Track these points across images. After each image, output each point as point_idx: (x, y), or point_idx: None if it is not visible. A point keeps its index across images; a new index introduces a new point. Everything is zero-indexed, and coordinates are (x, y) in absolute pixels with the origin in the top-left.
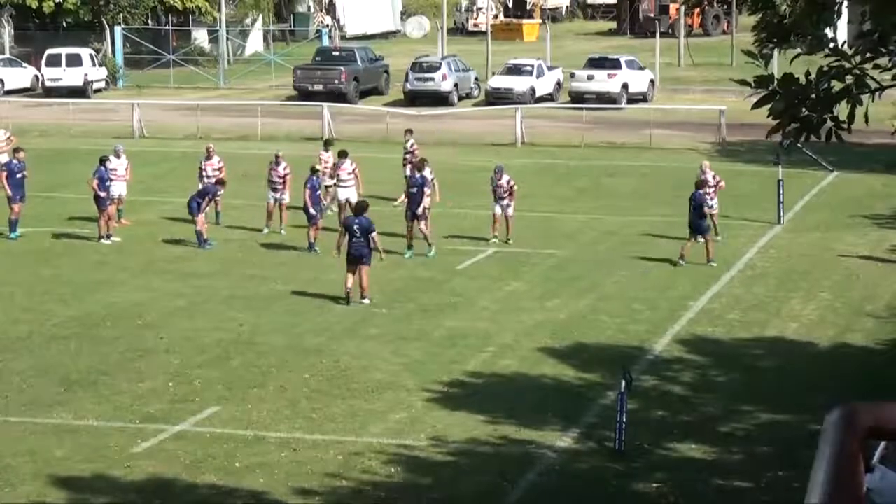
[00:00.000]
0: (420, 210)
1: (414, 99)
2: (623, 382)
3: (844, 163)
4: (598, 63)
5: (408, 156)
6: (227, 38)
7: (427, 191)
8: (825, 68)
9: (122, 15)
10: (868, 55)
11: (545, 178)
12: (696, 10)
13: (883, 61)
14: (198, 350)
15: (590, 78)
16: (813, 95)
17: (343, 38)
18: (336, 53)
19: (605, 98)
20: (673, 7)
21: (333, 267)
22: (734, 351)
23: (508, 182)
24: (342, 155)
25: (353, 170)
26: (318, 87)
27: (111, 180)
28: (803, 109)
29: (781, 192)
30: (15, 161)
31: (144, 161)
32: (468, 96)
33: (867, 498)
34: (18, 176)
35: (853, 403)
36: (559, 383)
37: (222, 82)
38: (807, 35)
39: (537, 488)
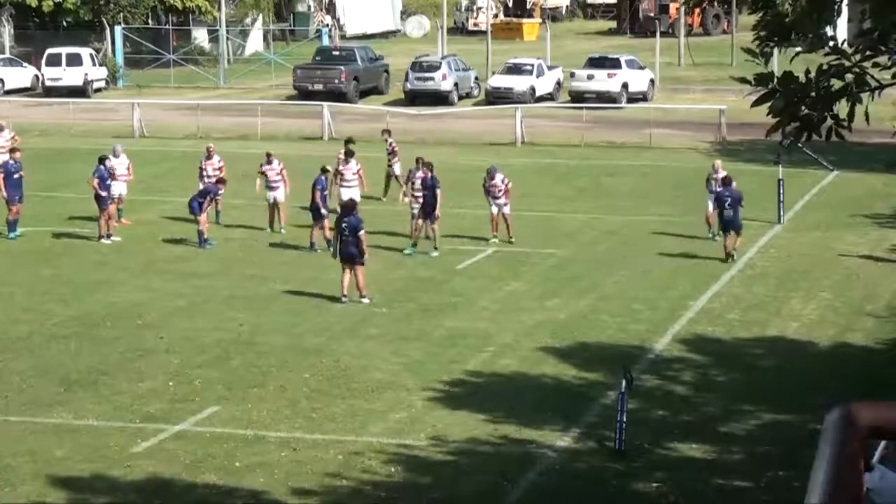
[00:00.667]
0: (434, 211)
1: (414, 98)
2: (623, 382)
3: (845, 162)
4: (598, 62)
5: (390, 156)
6: (227, 38)
7: (439, 192)
8: (825, 67)
9: (122, 14)
10: (868, 53)
11: (545, 178)
12: (696, 10)
13: (883, 60)
14: (198, 350)
15: (590, 77)
16: (813, 94)
17: (343, 37)
18: (336, 53)
19: (605, 97)
20: (673, 6)
21: (333, 267)
22: (734, 350)
23: (503, 181)
24: (349, 154)
25: (358, 170)
26: (318, 87)
27: (113, 179)
28: (803, 108)
29: (781, 191)
30: (11, 161)
31: (144, 161)
32: (468, 96)
33: (867, 498)
34: (16, 176)
35: (853, 403)
36: (559, 383)
37: (222, 82)
38: (807, 33)
39: (537, 488)
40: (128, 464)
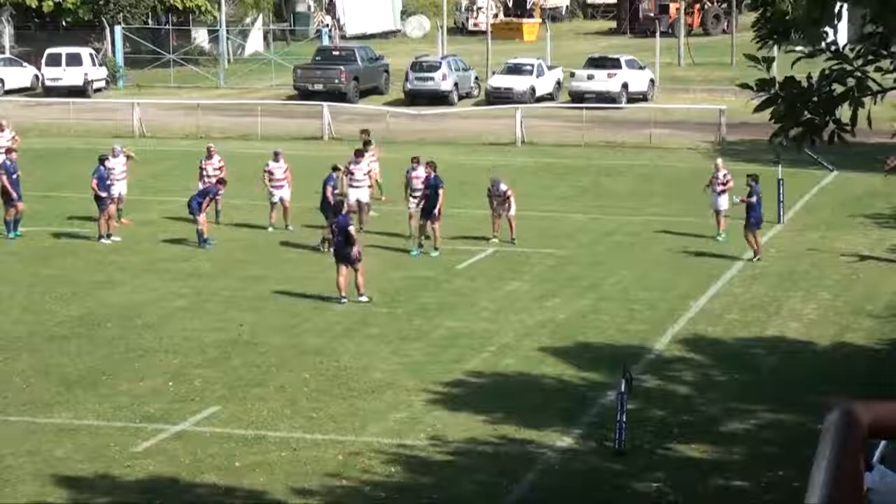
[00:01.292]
0: (435, 211)
1: (414, 98)
2: (623, 382)
3: (845, 162)
4: (598, 62)
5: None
6: (227, 38)
7: (441, 192)
8: (826, 71)
9: (122, 14)
10: (869, 58)
11: (545, 178)
12: (696, 9)
13: (885, 64)
14: (198, 350)
15: (590, 77)
16: (815, 98)
17: (343, 37)
18: (336, 53)
19: (605, 97)
20: (673, 6)
21: (333, 266)
22: (734, 350)
23: (505, 192)
24: (359, 154)
25: (369, 171)
26: (318, 87)
27: (116, 179)
28: (805, 112)
29: (782, 191)
30: (8, 161)
31: (144, 160)
32: (468, 96)
33: (867, 498)
34: (14, 176)
35: (853, 402)
36: (559, 383)
37: (222, 82)
38: (806, 30)
39: (537, 488)
40: (128, 464)
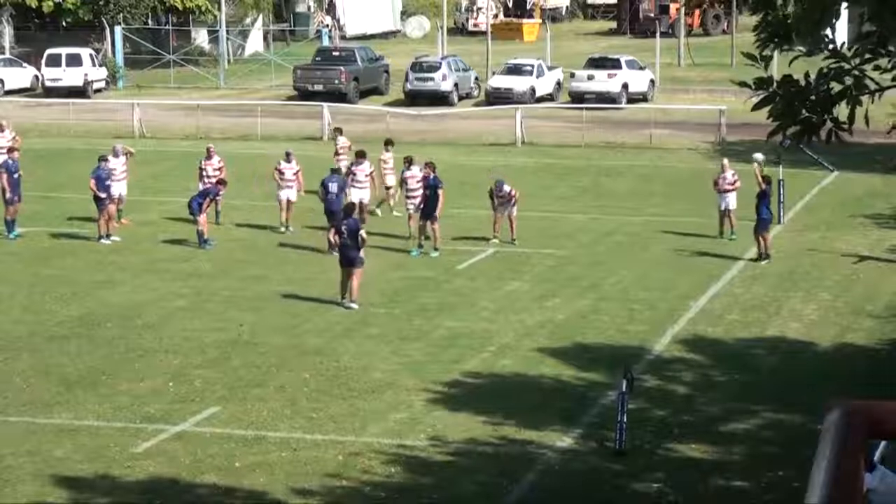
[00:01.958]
0: (435, 211)
1: (414, 99)
2: (624, 382)
3: (845, 162)
4: (598, 63)
5: (336, 156)
6: (227, 38)
7: (441, 192)
8: (824, 70)
9: (122, 15)
10: (867, 56)
11: (545, 178)
12: (696, 10)
13: (883, 62)
14: (198, 350)
15: (590, 78)
16: (812, 97)
17: (343, 37)
18: (336, 53)
19: (605, 98)
20: (673, 7)
21: (333, 267)
22: (734, 351)
23: (509, 193)
24: (360, 156)
25: (371, 172)
26: (318, 87)
27: (116, 179)
28: (803, 111)
29: (782, 191)
30: (10, 161)
31: (144, 161)
32: (468, 96)
33: (867, 498)
34: (15, 176)
35: (853, 403)
36: (559, 383)
37: (222, 82)
38: (807, 35)
39: (537, 488)
40: (128, 464)
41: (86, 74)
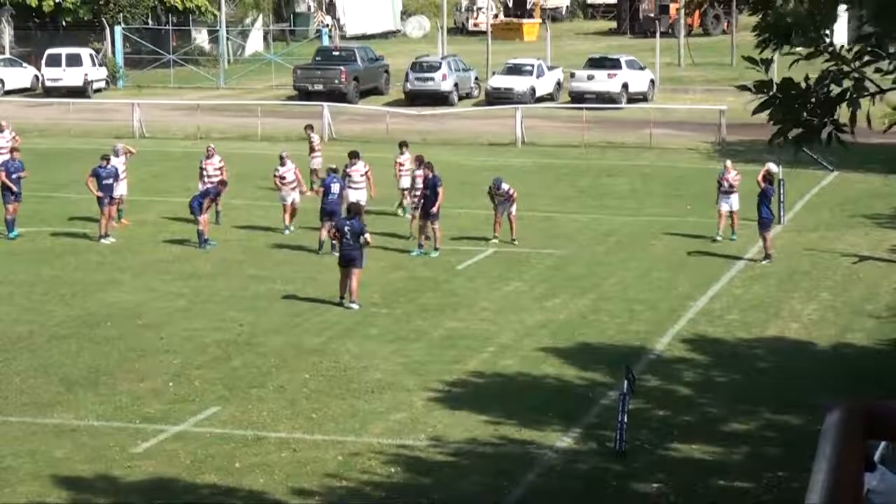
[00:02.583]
0: (434, 210)
1: (414, 99)
2: (626, 382)
3: (845, 162)
4: (598, 63)
5: (311, 153)
6: (227, 38)
7: (441, 190)
8: (824, 72)
9: (122, 14)
10: (867, 59)
11: (545, 178)
12: (697, 10)
13: (883, 65)
14: (198, 350)
15: (590, 78)
16: (813, 100)
17: (343, 37)
18: (336, 53)
19: (605, 98)
20: (673, 7)
21: (333, 267)
22: (735, 351)
23: (508, 191)
24: (353, 156)
25: (366, 172)
26: (319, 87)
27: (117, 179)
28: (804, 114)
29: (782, 191)
30: (10, 161)
31: (144, 161)
32: (468, 96)
33: (867, 498)
34: (14, 176)
35: (853, 403)
36: (559, 383)
37: (222, 82)
38: (807, 35)
39: (537, 488)
40: (128, 464)
41: (86, 74)
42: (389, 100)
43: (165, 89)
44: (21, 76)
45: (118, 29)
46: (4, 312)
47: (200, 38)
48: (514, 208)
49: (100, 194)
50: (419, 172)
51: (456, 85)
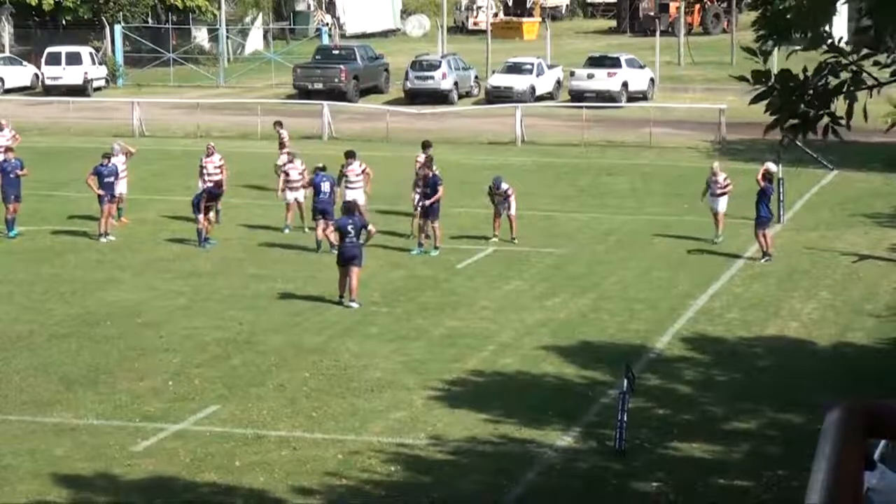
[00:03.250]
0: (431, 205)
1: (414, 97)
2: (626, 381)
3: (844, 161)
4: (598, 61)
5: (281, 147)
6: (227, 37)
7: (441, 188)
8: (822, 64)
9: (121, 13)
10: (865, 52)
11: (545, 177)
12: (697, 8)
13: (882, 58)
14: (198, 349)
15: (590, 76)
16: (810, 91)
17: (343, 36)
18: (336, 52)
19: (605, 96)
20: (673, 5)
21: (333, 266)
22: (734, 350)
23: (506, 191)
24: (350, 155)
25: (363, 170)
26: (318, 86)
27: (117, 177)
28: (801, 105)
29: (782, 190)
30: (6, 160)
31: (144, 159)
32: (468, 95)
33: (867, 497)
34: (12, 175)
35: (853, 402)
36: (559, 382)
37: (222, 81)
38: (807, 30)
39: (537, 488)
40: (128, 463)
41: (85, 73)
42: (389, 98)
43: (165, 88)
44: (21, 75)
45: (118, 27)
46: (4, 311)
47: (200, 36)
48: (513, 207)
49: (101, 192)
50: (421, 172)
51: (456, 84)
